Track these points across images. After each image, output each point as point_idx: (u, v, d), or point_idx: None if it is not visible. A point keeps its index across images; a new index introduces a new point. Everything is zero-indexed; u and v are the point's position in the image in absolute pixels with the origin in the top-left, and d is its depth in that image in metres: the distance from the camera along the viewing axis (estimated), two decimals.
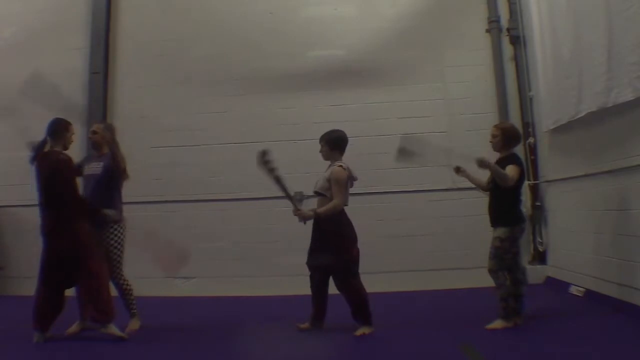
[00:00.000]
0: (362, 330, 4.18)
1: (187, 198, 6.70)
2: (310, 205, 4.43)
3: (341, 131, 4.43)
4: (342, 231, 4.22)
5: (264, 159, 4.10)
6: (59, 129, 4.34)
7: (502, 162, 4.30)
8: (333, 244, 4.19)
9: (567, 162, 5.65)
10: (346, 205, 4.31)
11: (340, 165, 4.26)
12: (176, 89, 6.94)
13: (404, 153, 4.50)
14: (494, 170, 4.16)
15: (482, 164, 4.14)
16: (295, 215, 4.19)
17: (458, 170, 4.56)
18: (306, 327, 4.35)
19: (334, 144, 4.35)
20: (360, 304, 4.23)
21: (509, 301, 4.13)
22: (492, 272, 4.19)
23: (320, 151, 4.42)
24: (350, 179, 4.32)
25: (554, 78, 5.66)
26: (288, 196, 4.20)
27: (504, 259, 4.20)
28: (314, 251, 4.33)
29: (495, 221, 4.28)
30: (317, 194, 4.32)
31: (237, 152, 6.71)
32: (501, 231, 4.20)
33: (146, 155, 6.78)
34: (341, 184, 4.19)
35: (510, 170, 4.16)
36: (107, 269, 4.30)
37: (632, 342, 3.60)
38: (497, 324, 4.12)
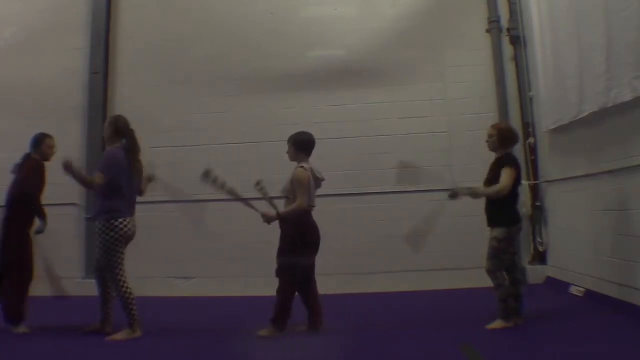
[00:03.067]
0: (266, 331, 4.19)
1: (187, 198, 6.69)
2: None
3: (309, 133, 4.46)
4: (300, 235, 4.22)
5: (209, 178, 4.24)
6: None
7: (498, 163, 4.30)
8: (288, 245, 4.22)
9: (567, 162, 5.65)
10: (312, 206, 4.32)
11: (302, 166, 4.27)
12: (176, 89, 6.94)
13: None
14: (484, 194, 4.23)
15: (474, 195, 4.28)
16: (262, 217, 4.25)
17: (454, 195, 4.41)
18: (304, 329, 4.34)
19: (299, 145, 4.38)
20: (281, 312, 4.20)
21: (509, 301, 4.13)
22: (490, 272, 4.18)
23: (287, 152, 4.45)
24: (315, 179, 4.33)
25: (554, 78, 5.66)
26: (245, 202, 4.30)
27: (502, 259, 4.19)
28: (277, 253, 4.34)
29: (492, 221, 4.28)
30: (284, 196, 4.34)
31: (237, 152, 6.71)
32: (498, 231, 4.20)
33: (146, 155, 6.77)
34: (302, 185, 4.19)
35: (504, 176, 4.15)
36: None
37: (632, 342, 3.60)
38: (497, 324, 4.11)
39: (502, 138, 4.33)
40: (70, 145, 6.83)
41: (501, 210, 4.22)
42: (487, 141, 4.41)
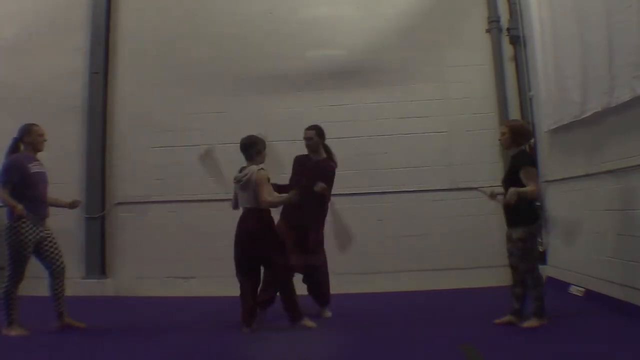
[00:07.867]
0: (307, 322, 4.42)
1: (187, 198, 6.70)
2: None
3: (254, 137, 4.78)
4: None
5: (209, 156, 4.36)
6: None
7: (513, 160, 4.30)
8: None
9: (567, 162, 5.65)
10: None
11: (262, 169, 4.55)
12: (176, 89, 6.94)
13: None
14: (526, 196, 4.08)
15: (511, 197, 4.04)
16: None
17: (493, 196, 4.53)
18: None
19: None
20: (293, 305, 4.43)
21: (544, 299, 4.13)
22: (528, 272, 4.17)
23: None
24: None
25: (554, 78, 5.66)
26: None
27: (533, 257, 4.21)
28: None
29: (512, 222, 4.25)
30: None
31: (237, 152, 6.69)
32: (520, 232, 4.16)
33: (146, 155, 6.79)
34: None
35: (529, 176, 4.12)
36: None
37: (633, 342, 3.60)
38: (532, 322, 4.12)
39: (514, 135, 4.32)
40: (70, 145, 6.86)
41: (522, 210, 4.17)
42: (499, 139, 4.43)
